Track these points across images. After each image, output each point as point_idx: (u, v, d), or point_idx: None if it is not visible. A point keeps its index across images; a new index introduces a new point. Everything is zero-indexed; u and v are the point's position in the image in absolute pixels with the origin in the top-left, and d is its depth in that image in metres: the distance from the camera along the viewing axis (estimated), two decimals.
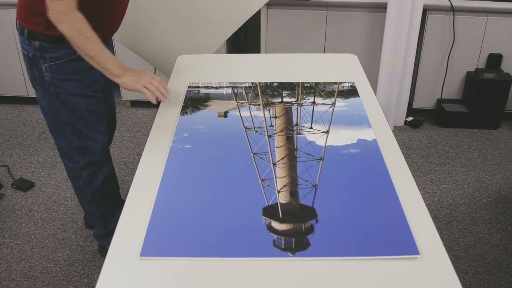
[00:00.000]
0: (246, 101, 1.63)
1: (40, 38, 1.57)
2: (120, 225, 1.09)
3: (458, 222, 2.27)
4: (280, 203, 1.15)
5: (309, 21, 2.93)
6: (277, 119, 1.52)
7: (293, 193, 1.18)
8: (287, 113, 1.55)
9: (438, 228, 2.21)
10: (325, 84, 1.74)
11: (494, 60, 2.92)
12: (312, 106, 1.58)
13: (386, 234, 1.05)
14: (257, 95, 1.66)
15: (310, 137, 1.42)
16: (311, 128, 1.46)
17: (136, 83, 1.55)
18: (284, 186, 1.21)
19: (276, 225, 1.08)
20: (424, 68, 3.00)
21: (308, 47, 3.00)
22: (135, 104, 3.30)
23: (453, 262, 2.04)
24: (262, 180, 1.23)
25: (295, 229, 1.06)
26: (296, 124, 1.48)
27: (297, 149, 1.36)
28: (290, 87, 1.72)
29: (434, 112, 3.13)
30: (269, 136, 1.42)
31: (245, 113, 1.56)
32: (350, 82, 1.75)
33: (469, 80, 2.96)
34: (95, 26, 1.57)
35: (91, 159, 1.79)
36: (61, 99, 1.65)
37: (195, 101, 1.65)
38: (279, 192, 1.18)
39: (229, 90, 1.70)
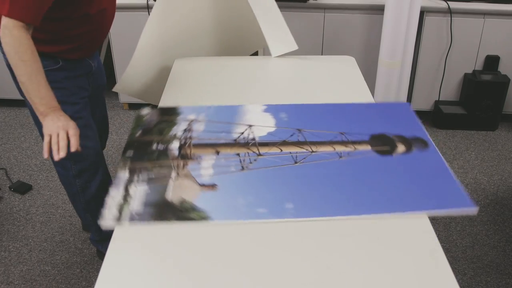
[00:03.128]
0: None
1: None
2: (118, 228, 1.09)
3: (456, 224, 2.28)
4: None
5: (307, 23, 2.94)
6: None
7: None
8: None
9: (436, 230, 2.21)
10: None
11: (492, 61, 2.93)
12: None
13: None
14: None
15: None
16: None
17: (47, 128, 1.36)
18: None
19: None
20: (421, 70, 3.01)
21: (306, 49, 3.00)
22: (133, 106, 3.30)
23: (451, 263, 2.04)
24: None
25: None
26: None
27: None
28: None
29: (432, 113, 3.14)
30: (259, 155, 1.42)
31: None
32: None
33: (467, 81, 2.97)
34: (77, 46, 1.55)
35: (83, 166, 1.77)
36: None
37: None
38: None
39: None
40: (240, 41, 2.19)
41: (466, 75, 2.99)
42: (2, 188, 2.52)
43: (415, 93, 3.09)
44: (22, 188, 2.50)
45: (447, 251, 2.12)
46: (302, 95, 1.67)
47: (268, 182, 1.21)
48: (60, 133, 1.34)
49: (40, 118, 1.40)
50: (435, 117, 3.09)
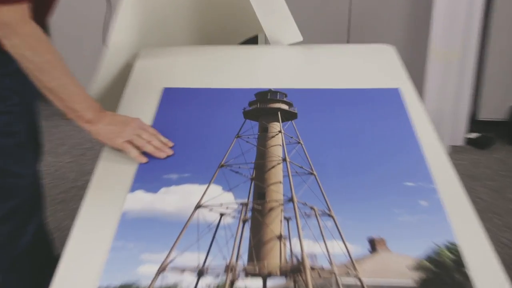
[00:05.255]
0: None
1: None
2: None
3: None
4: None
5: (326, 2, 2.96)
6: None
7: None
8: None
9: None
10: None
11: None
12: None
13: None
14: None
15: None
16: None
17: (117, 136, 1.43)
18: None
19: None
20: (492, 64, 3.01)
21: (325, 36, 3.02)
22: None
23: None
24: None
25: None
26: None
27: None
28: None
29: (507, 124, 3.14)
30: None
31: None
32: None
33: None
34: None
35: (15, 205, 1.71)
36: None
37: None
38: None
39: None
40: (228, 25, 2.22)
41: None
42: None
43: (484, 97, 3.10)
44: None
45: None
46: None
47: None
48: (142, 134, 1.44)
49: (89, 127, 1.46)
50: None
